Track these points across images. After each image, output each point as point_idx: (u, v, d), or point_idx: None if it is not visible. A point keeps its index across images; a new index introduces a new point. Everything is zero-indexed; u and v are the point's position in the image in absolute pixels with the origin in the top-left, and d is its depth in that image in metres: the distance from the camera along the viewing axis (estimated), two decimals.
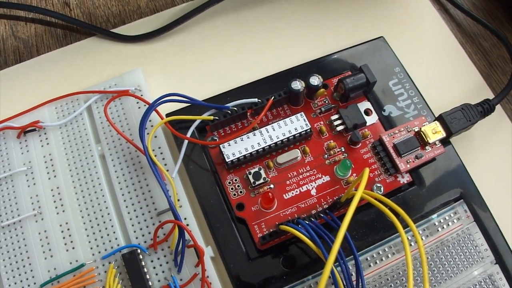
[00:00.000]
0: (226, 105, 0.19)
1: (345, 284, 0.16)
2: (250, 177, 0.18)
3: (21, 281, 0.18)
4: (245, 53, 0.23)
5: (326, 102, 0.20)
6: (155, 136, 0.20)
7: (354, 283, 0.16)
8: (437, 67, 0.23)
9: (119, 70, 0.22)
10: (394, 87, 0.21)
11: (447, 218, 0.19)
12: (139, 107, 0.21)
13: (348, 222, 0.14)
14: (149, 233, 0.18)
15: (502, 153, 0.21)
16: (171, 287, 0.17)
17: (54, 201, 0.19)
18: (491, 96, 0.22)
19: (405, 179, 0.19)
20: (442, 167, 0.19)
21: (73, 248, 0.18)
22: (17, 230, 0.19)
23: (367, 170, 0.15)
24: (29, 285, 0.18)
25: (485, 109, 0.20)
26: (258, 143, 0.18)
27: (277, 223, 0.17)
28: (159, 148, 0.20)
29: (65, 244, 0.19)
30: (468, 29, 0.25)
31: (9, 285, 0.18)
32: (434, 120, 0.20)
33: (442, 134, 0.19)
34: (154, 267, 0.18)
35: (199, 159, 0.19)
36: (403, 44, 0.23)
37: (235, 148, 0.18)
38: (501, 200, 0.20)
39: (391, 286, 0.18)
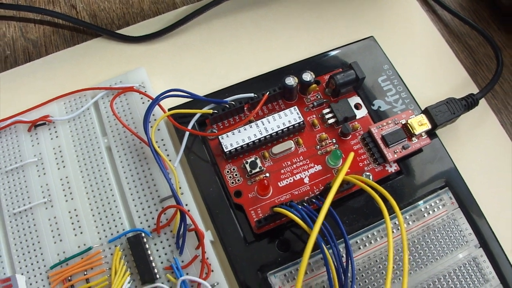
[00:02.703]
0: (225, 99, 0.22)
1: (336, 264, 0.18)
2: (247, 166, 0.21)
3: (31, 264, 0.20)
4: (242, 53, 0.26)
5: (318, 97, 0.23)
6: (158, 129, 0.23)
7: (344, 264, 0.18)
8: (425, 65, 0.25)
9: (124, 69, 0.25)
10: (383, 83, 0.24)
11: (432, 204, 0.21)
12: (143, 103, 0.23)
13: (332, 195, 0.16)
14: (153, 218, 0.21)
15: (486, 144, 0.23)
16: (173, 268, 0.19)
17: (63, 190, 0.22)
18: (476, 91, 0.24)
19: (392, 168, 0.21)
20: (429, 157, 0.22)
21: (81, 233, 0.21)
22: (28, 217, 0.21)
23: (352, 154, 0.17)
24: (39, 268, 0.20)
25: (469, 103, 0.22)
26: (255, 135, 0.21)
27: (271, 206, 0.19)
28: (162, 140, 0.22)
29: (74, 229, 0.21)
30: (455, 29, 0.27)
31: (20, 268, 0.20)
32: (420, 113, 0.22)
33: (427, 126, 0.21)
34: (157, 250, 0.20)
35: (199, 150, 0.22)
36: (393, 43, 0.25)
37: (233, 139, 0.21)
38: (485, 187, 0.22)
39: (379, 267, 0.20)
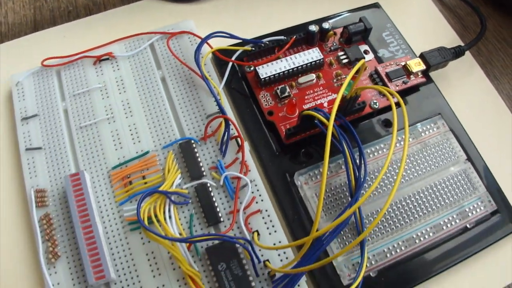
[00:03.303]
0: (260, 40, 0.27)
1: (351, 159, 0.22)
2: (278, 91, 0.26)
3: (95, 166, 0.25)
4: (274, 9, 0.31)
5: (335, 44, 0.28)
6: (205, 64, 0.27)
7: (358, 161, 0.23)
8: (421, 28, 0.31)
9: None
10: (386, 37, 0.29)
11: (428, 127, 0.26)
12: (191, 44, 0.28)
13: (345, 85, 0.21)
14: (200, 130, 0.25)
15: (472, 88, 0.29)
16: (218, 167, 0.24)
17: (124, 109, 0.26)
18: None
19: (395, 99, 0.26)
20: (425, 95, 0.27)
21: (139, 141, 0.25)
22: (93, 130, 0.26)
23: (362, 60, 0.22)
24: (101, 169, 0.25)
25: (457, 51, 0.28)
26: (284, 67, 0.26)
27: (300, 111, 0.23)
28: (208, 72, 0.27)
29: (132, 139, 0.25)
30: (447, 1, 0.33)
31: (85, 170, 0.24)
32: (416, 57, 0.27)
33: (422, 66, 0.27)
34: (204, 154, 0.25)
35: (238, 82, 0.27)
36: (394, 10, 0.31)
37: (267, 69, 0.26)
38: (471, 118, 0.27)
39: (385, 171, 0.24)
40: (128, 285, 0.22)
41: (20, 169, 0.25)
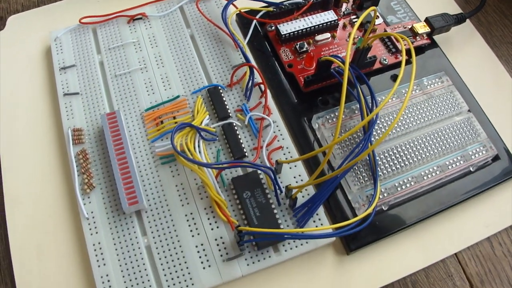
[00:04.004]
0: (280, 2, 0.30)
1: (365, 100, 0.25)
2: (297, 47, 0.29)
3: (129, 109, 0.27)
4: None
5: (348, 9, 0.31)
6: (230, 23, 0.30)
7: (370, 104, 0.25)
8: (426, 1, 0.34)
9: None
10: (394, 6, 0.32)
11: (433, 81, 0.29)
12: (218, 7, 0.31)
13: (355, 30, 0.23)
14: (226, 79, 0.28)
15: (473, 52, 0.31)
16: (243, 109, 0.26)
17: (156, 60, 0.29)
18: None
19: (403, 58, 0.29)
20: (430, 56, 0.30)
21: (170, 88, 0.28)
22: (127, 78, 0.28)
23: (373, 7, 0.24)
24: (135, 111, 0.27)
25: (459, 17, 0.31)
26: (303, 25, 0.29)
27: (318, 58, 0.26)
28: (233, 30, 0.30)
29: (164, 85, 0.28)
30: None
31: (119, 110, 0.26)
32: (422, 21, 0.30)
33: (427, 28, 0.29)
34: (230, 99, 0.27)
35: (259, 42, 0.30)
36: None
37: (287, 27, 0.29)
38: (472, 77, 0.29)
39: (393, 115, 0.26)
40: (158, 214, 0.24)
41: (58, 113, 0.28)
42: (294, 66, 0.28)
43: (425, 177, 0.25)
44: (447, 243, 0.25)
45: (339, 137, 0.22)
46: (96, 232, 0.23)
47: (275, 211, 0.24)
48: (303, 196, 0.25)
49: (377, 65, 0.28)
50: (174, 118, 0.27)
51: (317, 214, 0.24)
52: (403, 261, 0.24)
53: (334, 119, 0.26)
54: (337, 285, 0.23)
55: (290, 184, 0.24)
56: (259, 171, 0.24)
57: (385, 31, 0.30)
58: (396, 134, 0.26)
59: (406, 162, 0.25)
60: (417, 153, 0.26)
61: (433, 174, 0.25)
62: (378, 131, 0.26)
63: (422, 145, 0.26)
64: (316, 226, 0.23)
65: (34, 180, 0.26)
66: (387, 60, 0.29)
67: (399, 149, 0.26)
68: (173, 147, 0.23)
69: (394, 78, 0.28)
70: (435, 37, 0.31)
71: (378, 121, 0.26)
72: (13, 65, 0.30)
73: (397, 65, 0.29)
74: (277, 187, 0.24)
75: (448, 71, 0.29)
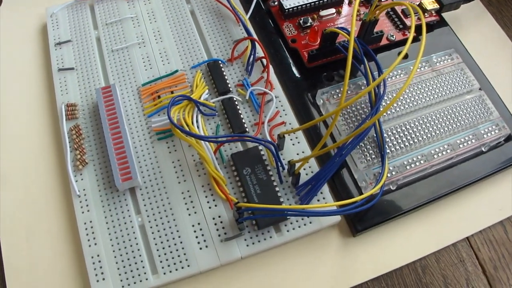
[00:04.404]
0: None
1: (372, 75, 0.24)
2: (301, 21, 0.28)
3: (125, 84, 0.26)
4: None
5: None
6: None
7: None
8: None
9: None
10: None
11: (443, 58, 0.27)
12: None
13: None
14: (227, 54, 0.27)
15: (483, 28, 0.30)
16: (244, 84, 0.25)
17: (154, 35, 0.28)
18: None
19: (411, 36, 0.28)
20: (439, 33, 0.29)
21: (168, 62, 0.27)
22: (124, 53, 0.27)
23: None
24: (131, 86, 0.26)
25: None
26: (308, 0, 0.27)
27: (323, 29, 0.25)
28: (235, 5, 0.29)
29: (162, 60, 0.27)
30: None
31: (114, 84, 0.25)
32: None
33: (436, 5, 0.28)
34: (230, 74, 0.26)
35: (262, 16, 0.29)
36: None
37: (291, 1, 0.28)
38: (481, 54, 0.28)
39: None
40: (153, 191, 0.23)
41: (52, 89, 0.27)
42: (298, 41, 0.27)
43: (435, 156, 0.24)
44: (458, 226, 0.24)
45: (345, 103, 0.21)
46: (88, 210, 0.22)
47: (276, 188, 0.23)
48: (306, 174, 0.23)
49: (384, 41, 0.27)
50: (172, 93, 0.26)
51: (321, 193, 0.23)
52: (412, 244, 0.23)
53: (340, 95, 0.25)
54: (342, 269, 0.22)
55: (292, 159, 0.23)
56: (260, 147, 0.23)
57: (393, 8, 0.28)
58: (405, 111, 0.25)
59: (416, 140, 0.24)
60: (426, 130, 0.24)
61: (444, 152, 0.24)
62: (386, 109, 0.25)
63: (432, 123, 0.25)
64: None
65: (25, 157, 0.25)
66: (394, 37, 0.28)
67: (407, 126, 0.25)
68: (169, 118, 0.21)
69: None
70: (444, 15, 0.30)
71: (385, 97, 0.25)
72: (9, 41, 0.30)
73: (405, 42, 0.28)
74: (279, 164, 0.22)
75: (458, 49, 0.28)
